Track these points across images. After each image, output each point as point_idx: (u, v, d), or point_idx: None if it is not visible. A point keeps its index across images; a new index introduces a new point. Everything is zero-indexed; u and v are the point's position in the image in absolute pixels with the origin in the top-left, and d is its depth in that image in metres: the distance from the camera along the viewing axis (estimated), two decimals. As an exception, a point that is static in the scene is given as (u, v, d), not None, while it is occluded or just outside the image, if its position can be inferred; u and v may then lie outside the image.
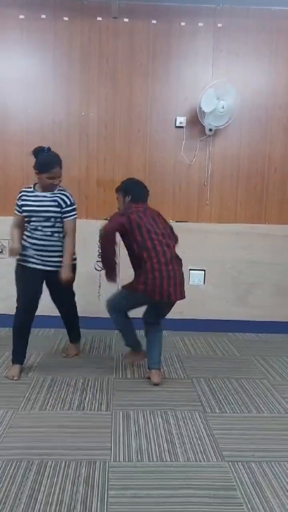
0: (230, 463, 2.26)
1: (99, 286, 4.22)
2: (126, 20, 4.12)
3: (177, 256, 3.18)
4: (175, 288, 3.04)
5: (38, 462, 2.20)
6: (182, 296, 3.11)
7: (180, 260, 3.19)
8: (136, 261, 3.10)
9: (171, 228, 3.34)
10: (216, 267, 4.38)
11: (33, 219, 3.22)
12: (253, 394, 3.05)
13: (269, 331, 4.40)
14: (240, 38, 4.19)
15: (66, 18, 4.10)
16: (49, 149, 3.22)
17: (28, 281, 3.28)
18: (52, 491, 1.99)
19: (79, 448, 2.34)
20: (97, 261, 3.68)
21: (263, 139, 4.32)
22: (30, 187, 3.31)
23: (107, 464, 2.21)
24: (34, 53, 4.15)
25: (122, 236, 3.12)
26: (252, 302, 4.42)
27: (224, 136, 4.29)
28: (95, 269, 3.65)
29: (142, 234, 3.03)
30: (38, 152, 3.22)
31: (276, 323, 4.43)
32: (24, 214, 3.25)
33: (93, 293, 4.17)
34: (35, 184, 3.29)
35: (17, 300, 3.31)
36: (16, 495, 1.95)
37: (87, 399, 2.91)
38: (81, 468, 2.16)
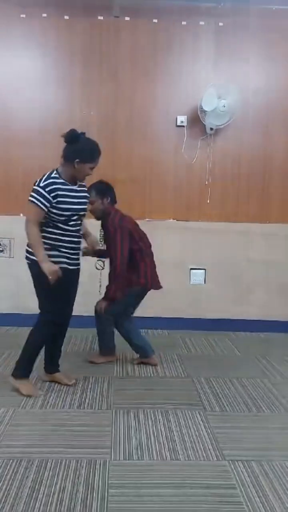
0: (230, 462, 2.26)
1: (100, 285, 4.22)
2: (127, 19, 4.12)
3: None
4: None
5: (39, 461, 2.20)
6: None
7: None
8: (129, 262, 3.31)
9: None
10: (217, 266, 4.38)
11: (74, 217, 2.80)
12: (253, 393, 3.05)
13: (270, 330, 4.40)
14: (241, 37, 4.19)
15: (67, 17, 4.10)
16: (84, 133, 2.78)
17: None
18: (53, 490, 1.99)
19: (80, 446, 2.34)
20: (97, 260, 3.68)
21: (264, 138, 4.31)
22: (57, 176, 2.74)
23: (107, 462, 2.21)
24: (35, 52, 4.15)
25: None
26: (252, 301, 4.42)
27: (225, 135, 4.29)
28: (96, 268, 3.65)
29: (134, 237, 3.33)
30: (78, 137, 2.75)
31: (277, 322, 4.43)
32: (63, 212, 2.71)
33: (93, 291, 4.16)
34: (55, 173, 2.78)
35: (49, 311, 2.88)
36: (17, 494, 1.95)
37: (87, 398, 2.91)
38: (81, 467, 2.17)
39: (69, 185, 2.76)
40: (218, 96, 4.01)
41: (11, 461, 2.19)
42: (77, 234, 2.87)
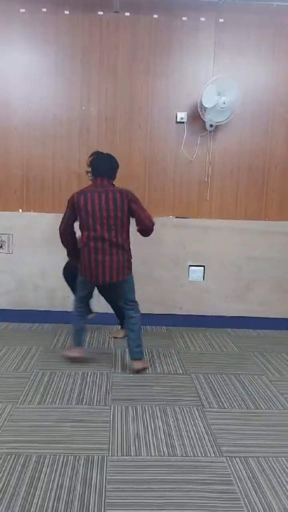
0: (228, 458, 2.26)
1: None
2: (127, 14, 4.10)
3: (117, 243, 3.19)
4: (104, 272, 3.17)
5: (37, 456, 2.20)
6: (111, 279, 3.20)
7: (120, 247, 3.21)
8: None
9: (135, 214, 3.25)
10: (216, 263, 4.38)
11: None
12: (251, 390, 3.06)
13: (268, 327, 4.40)
14: (242, 33, 4.17)
15: (67, 12, 4.08)
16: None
17: None
18: (50, 485, 2.00)
19: (78, 442, 2.35)
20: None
21: (264, 135, 4.30)
22: None
23: (105, 458, 2.22)
24: (35, 47, 4.13)
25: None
26: (251, 298, 4.42)
27: (225, 132, 4.27)
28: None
29: (81, 216, 3.15)
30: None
31: (275, 320, 4.43)
32: None
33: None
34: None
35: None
36: (14, 490, 1.96)
37: (85, 393, 2.91)
38: (79, 463, 2.17)
39: None
40: (218, 92, 4.00)
41: (9, 456, 2.19)
42: None
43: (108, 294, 3.79)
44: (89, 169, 3.38)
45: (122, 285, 3.27)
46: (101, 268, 3.16)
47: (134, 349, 3.27)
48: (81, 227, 3.20)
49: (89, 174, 3.43)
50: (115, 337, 3.99)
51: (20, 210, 4.22)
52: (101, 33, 4.13)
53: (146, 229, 3.29)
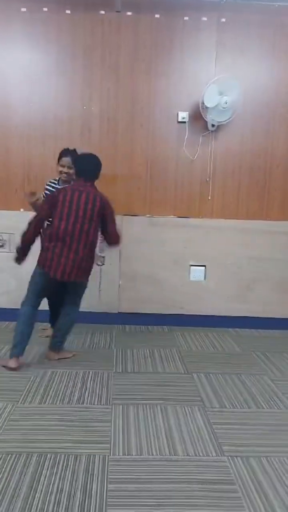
0: (229, 457, 2.26)
1: (100, 281, 4.23)
2: (129, 13, 4.10)
3: (85, 245, 3.20)
4: (65, 269, 3.17)
5: (38, 455, 2.20)
6: (70, 278, 3.21)
7: (87, 249, 3.23)
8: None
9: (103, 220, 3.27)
10: (217, 263, 4.37)
11: None
12: (253, 390, 3.05)
13: (270, 327, 4.39)
14: (244, 33, 4.17)
15: (68, 11, 4.08)
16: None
17: None
18: (51, 485, 1.99)
19: (79, 441, 2.34)
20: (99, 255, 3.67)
21: (266, 135, 4.30)
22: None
23: (106, 457, 2.21)
24: (36, 47, 4.13)
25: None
26: (252, 298, 4.41)
27: (226, 132, 4.27)
28: (97, 264, 3.64)
29: (56, 209, 3.17)
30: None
31: (277, 320, 4.43)
32: None
33: (93, 288, 4.16)
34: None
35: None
36: (15, 489, 1.95)
37: (86, 392, 2.91)
38: (80, 462, 2.16)
39: (56, 185, 3.58)
40: (220, 92, 3.99)
41: (10, 455, 2.19)
42: None
43: (56, 290, 3.48)
44: (64, 169, 3.48)
45: (78, 286, 3.35)
46: (63, 264, 3.15)
47: (57, 340, 3.41)
48: (53, 219, 3.20)
49: (64, 174, 3.50)
50: (47, 336, 3.79)
51: (22, 210, 4.21)
52: (102, 32, 4.13)
53: (110, 242, 3.33)
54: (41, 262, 3.23)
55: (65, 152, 3.55)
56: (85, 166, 3.29)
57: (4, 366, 3.20)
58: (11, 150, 4.25)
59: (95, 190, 3.27)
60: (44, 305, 3.53)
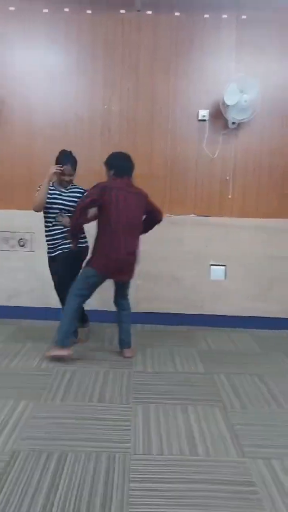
0: (250, 459, 2.24)
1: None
2: (149, 12, 4.09)
3: (134, 252, 3.39)
4: (121, 271, 3.37)
5: (59, 453, 2.22)
6: (129, 277, 3.46)
7: (134, 254, 3.41)
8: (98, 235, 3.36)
9: (151, 214, 3.49)
10: (238, 262, 4.34)
11: (51, 214, 3.62)
12: (274, 390, 3.02)
13: (291, 328, 4.34)
14: (264, 31, 4.12)
15: (89, 11, 4.10)
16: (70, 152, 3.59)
17: None
18: (73, 483, 2.01)
19: (100, 440, 2.35)
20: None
21: (286, 133, 4.24)
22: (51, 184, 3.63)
23: (127, 456, 2.22)
24: (57, 47, 4.16)
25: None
26: (273, 298, 4.36)
27: (247, 130, 4.23)
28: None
29: (110, 211, 3.24)
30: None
31: (298, 320, 4.37)
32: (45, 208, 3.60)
33: (112, 288, 4.17)
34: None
35: None
36: (37, 487, 1.97)
37: (107, 391, 2.92)
38: (102, 460, 2.18)
39: (55, 189, 3.58)
40: (240, 90, 3.96)
41: (31, 453, 2.21)
42: (54, 228, 3.57)
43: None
44: (66, 178, 3.52)
45: (128, 283, 3.53)
46: (124, 267, 3.35)
47: (127, 338, 3.54)
48: (105, 222, 3.27)
49: (66, 182, 3.56)
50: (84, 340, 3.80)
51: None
52: (123, 32, 4.13)
53: (159, 219, 3.53)
54: (99, 267, 3.30)
55: (65, 159, 3.53)
56: (124, 164, 3.37)
57: (54, 356, 3.33)
58: (33, 150, 4.29)
59: (135, 187, 3.40)
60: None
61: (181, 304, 4.36)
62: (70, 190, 3.59)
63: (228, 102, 3.97)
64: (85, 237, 3.62)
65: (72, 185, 3.62)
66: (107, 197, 3.23)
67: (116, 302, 3.57)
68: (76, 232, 3.39)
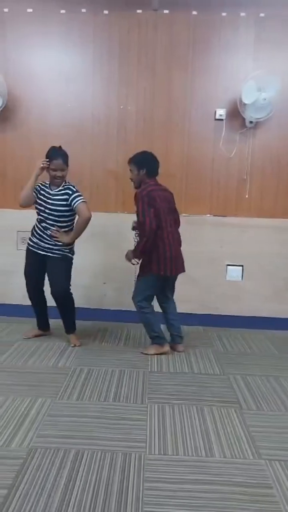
0: (267, 461, 2.22)
1: (135, 280, 4.23)
2: (166, 12, 4.09)
3: (180, 244, 3.60)
4: (178, 265, 3.52)
5: (75, 451, 2.23)
6: (183, 269, 3.60)
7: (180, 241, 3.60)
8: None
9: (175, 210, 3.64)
10: (255, 263, 4.30)
11: (40, 216, 3.62)
12: (291, 393, 2.99)
13: (309, 329, 4.28)
14: (283, 28, 4.07)
15: (106, 12, 4.11)
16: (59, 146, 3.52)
17: None
18: (88, 481, 2.01)
19: (115, 439, 2.36)
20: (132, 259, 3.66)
21: (306, 131, 4.19)
22: (45, 182, 3.62)
23: (142, 456, 2.22)
24: (74, 47, 4.19)
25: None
26: (291, 299, 4.31)
27: (265, 129, 4.19)
28: (132, 263, 3.65)
29: (158, 211, 3.34)
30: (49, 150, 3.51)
31: (316, 321, 4.31)
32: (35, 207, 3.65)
33: (129, 287, 4.18)
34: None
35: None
36: (54, 484, 1.99)
37: (122, 391, 2.93)
38: (117, 460, 2.18)
39: (46, 189, 3.52)
40: (258, 88, 3.92)
41: (48, 450, 2.23)
42: (47, 232, 3.52)
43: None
44: (57, 173, 3.42)
45: (175, 279, 3.66)
46: (179, 259, 3.51)
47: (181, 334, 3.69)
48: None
49: (58, 179, 3.47)
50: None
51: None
52: (139, 31, 4.14)
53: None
54: (160, 270, 3.40)
55: (55, 153, 3.43)
56: (155, 164, 3.45)
57: (160, 354, 3.53)
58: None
59: (161, 184, 3.53)
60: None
61: (197, 304, 4.34)
62: (60, 192, 3.49)
63: (245, 100, 3.94)
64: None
65: (65, 184, 3.52)
66: (157, 201, 3.32)
67: (163, 302, 3.68)
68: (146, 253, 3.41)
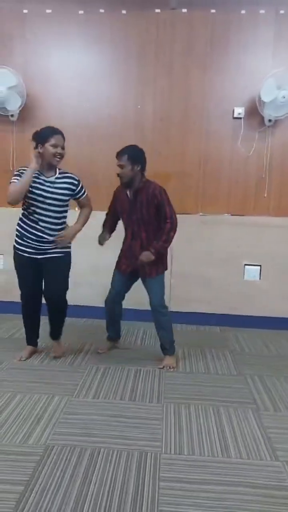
0: (284, 463, 2.20)
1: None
2: (184, 10, 4.07)
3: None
4: None
5: (91, 449, 2.24)
6: None
7: None
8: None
9: None
10: (273, 263, 4.25)
11: (33, 207, 3.07)
12: (309, 395, 2.95)
13: None
14: (303, 24, 4.01)
15: (124, 11, 4.11)
16: None
17: None
18: (104, 479, 2.02)
19: (131, 438, 2.36)
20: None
21: None
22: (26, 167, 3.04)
23: (158, 455, 2.22)
24: (91, 47, 4.20)
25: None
26: (309, 300, 4.26)
27: (284, 127, 4.14)
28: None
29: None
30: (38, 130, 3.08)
31: None
32: (27, 199, 3.07)
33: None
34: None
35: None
36: (70, 481, 2.00)
37: (138, 390, 2.93)
38: (133, 459, 2.19)
39: (39, 176, 3.02)
40: (277, 86, 3.87)
41: (64, 448, 2.25)
42: (40, 225, 3.06)
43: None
44: (58, 150, 3.02)
45: None
46: None
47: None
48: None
49: (57, 157, 3.05)
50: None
51: (76, 209, 4.30)
52: (157, 30, 4.13)
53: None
54: (166, 266, 3.38)
55: (53, 129, 3.02)
56: (145, 160, 3.25)
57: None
58: (67, 150, 4.33)
59: None
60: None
61: (214, 304, 4.32)
62: (59, 180, 3.09)
63: (264, 98, 3.90)
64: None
65: (60, 172, 3.12)
66: None
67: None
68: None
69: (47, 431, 2.40)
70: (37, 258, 3.11)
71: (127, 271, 3.35)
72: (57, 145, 2.99)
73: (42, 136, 2.99)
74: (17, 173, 3.01)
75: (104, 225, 3.49)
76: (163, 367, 3.28)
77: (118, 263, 3.42)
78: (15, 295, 3.34)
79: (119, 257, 3.42)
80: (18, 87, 4.09)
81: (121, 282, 3.40)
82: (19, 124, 4.32)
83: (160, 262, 3.27)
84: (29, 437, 2.34)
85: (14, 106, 4.15)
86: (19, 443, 2.29)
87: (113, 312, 3.50)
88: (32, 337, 3.42)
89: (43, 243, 3.09)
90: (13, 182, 2.96)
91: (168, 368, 3.28)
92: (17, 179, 2.95)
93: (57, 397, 2.78)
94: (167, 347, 3.36)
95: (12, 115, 4.26)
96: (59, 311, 3.27)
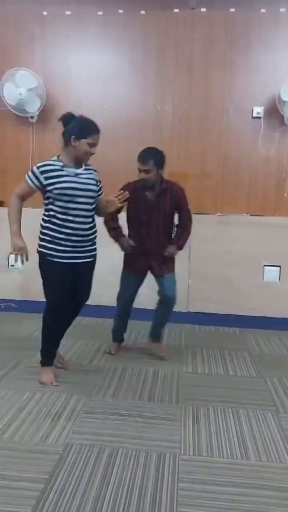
0: (304, 467, 2.16)
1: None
2: (203, 10, 4.06)
3: None
4: None
5: (110, 449, 2.25)
6: None
7: None
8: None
9: None
10: (293, 263, 4.21)
11: (72, 204, 2.76)
12: None
13: None
14: None
15: (143, 12, 4.12)
16: (81, 115, 2.85)
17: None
18: (123, 480, 2.02)
19: (149, 439, 2.36)
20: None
21: None
22: (55, 159, 2.78)
23: (177, 457, 2.21)
24: (110, 48, 4.23)
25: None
26: None
27: (304, 126, 4.10)
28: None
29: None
30: (72, 117, 2.81)
31: None
32: (59, 196, 2.72)
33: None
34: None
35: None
36: (89, 481, 2.01)
37: (157, 390, 2.93)
38: (151, 459, 2.18)
39: (68, 168, 2.72)
40: (298, 85, 3.84)
41: (83, 447, 2.26)
42: (74, 225, 2.76)
43: None
44: (94, 149, 2.77)
45: None
46: None
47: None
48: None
49: (89, 156, 2.80)
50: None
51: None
52: (176, 30, 4.12)
53: None
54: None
55: (95, 127, 2.76)
56: None
57: None
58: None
59: None
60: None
61: (232, 305, 4.29)
62: (86, 171, 2.82)
63: (285, 97, 3.86)
64: None
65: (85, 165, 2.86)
66: None
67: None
68: None
69: (66, 430, 2.41)
70: (76, 262, 2.83)
71: (139, 272, 3.35)
72: (94, 144, 2.73)
73: (81, 130, 2.71)
74: (32, 174, 2.71)
75: (114, 228, 3.34)
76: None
77: (129, 265, 3.35)
78: (33, 294, 3.37)
79: (128, 259, 3.36)
80: (38, 89, 4.14)
81: (135, 284, 3.40)
82: (39, 126, 4.37)
83: (172, 260, 3.39)
84: (48, 435, 2.36)
85: (33, 108, 4.20)
86: (39, 441, 2.31)
87: (127, 315, 3.52)
88: (53, 353, 3.07)
89: (81, 247, 2.82)
90: (26, 181, 2.73)
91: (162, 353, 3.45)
92: (31, 180, 2.70)
93: (76, 396, 2.79)
94: (162, 335, 3.59)
95: (32, 117, 4.31)
96: (78, 312, 3.14)
